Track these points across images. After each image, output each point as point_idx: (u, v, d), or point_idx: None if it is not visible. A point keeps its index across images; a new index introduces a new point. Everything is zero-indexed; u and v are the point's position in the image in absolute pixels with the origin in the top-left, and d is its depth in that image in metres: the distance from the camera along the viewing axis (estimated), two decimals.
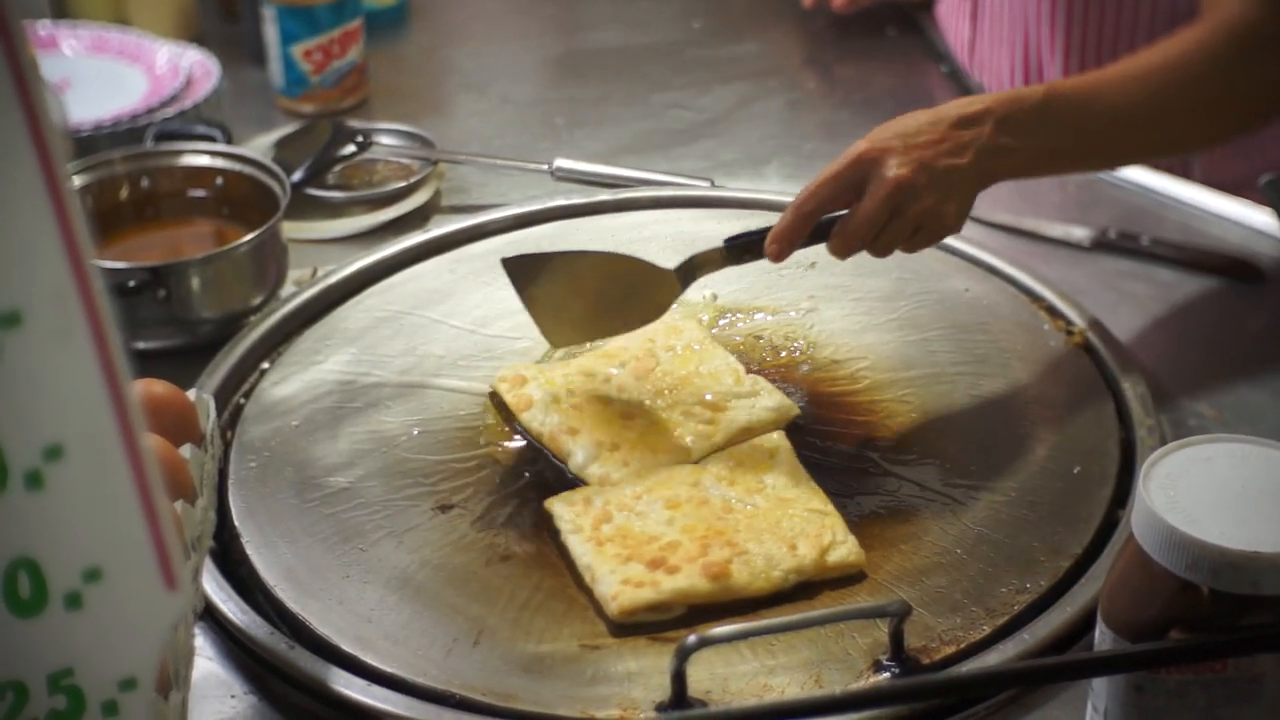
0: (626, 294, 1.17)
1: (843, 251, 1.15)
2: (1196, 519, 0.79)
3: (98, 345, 0.57)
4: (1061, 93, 1.17)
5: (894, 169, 1.11)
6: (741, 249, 1.17)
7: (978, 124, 1.14)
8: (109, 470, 0.58)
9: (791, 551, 1.01)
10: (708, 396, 1.16)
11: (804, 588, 1.01)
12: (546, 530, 1.06)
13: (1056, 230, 1.41)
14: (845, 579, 1.02)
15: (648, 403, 1.17)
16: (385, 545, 1.05)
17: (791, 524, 1.04)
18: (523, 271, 1.18)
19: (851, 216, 1.13)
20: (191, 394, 0.95)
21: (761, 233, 1.15)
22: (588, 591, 1.01)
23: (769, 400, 1.16)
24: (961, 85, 1.71)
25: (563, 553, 1.04)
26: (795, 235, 1.14)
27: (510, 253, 1.35)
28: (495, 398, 1.20)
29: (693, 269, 1.16)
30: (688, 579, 0.99)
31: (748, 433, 1.14)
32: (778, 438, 1.13)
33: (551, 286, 1.18)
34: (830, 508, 1.06)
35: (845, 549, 1.02)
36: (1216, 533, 0.78)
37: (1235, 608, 0.79)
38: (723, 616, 0.98)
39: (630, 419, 1.15)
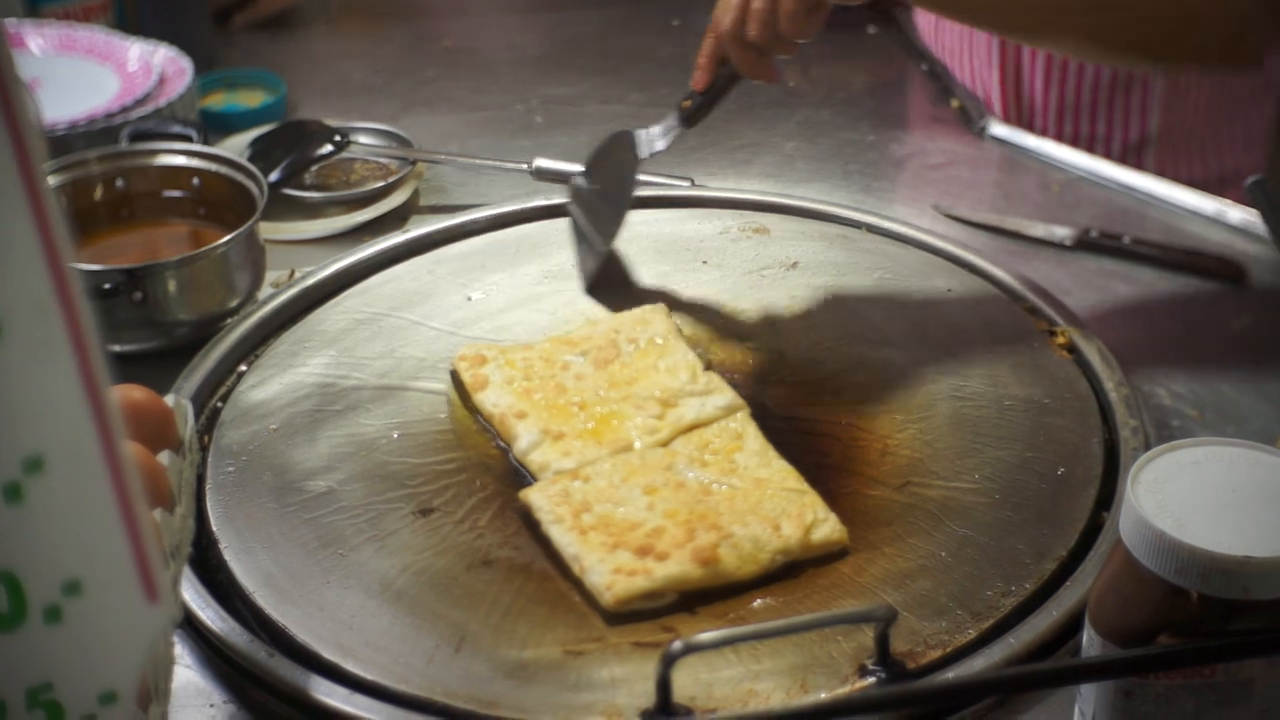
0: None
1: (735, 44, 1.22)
2: (1185, 523, 0.78)
3: (79, 355, 0.56)
4: None
5: None
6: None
7: None
8: (89, 482, 0.57)
9: (776, 532, 1.02)
10: (658, 392, 1.16)
11: (790, 568, 1.01)
12: (527, 529, 1.05)
13: (1038, 230, 1.40)
14: (830, 570, 1.02)
15: (602, 393, 1.17)
16: (366, 550, 1.04)
17: (772, 504, 1.04)
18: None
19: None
20: (170, 399, 0.93)
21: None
22: (574, 584, 1.00)
23: (720, 399, 1.16)
24: (942, 83, 1.70)
25: (545, 549, 1.03)
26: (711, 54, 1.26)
27: (492, 252, 1.36)
28: (455, 377, 1.20)
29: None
30: (679, 565, 0.99)
31: (696, 429, 1.14)
32: (742, 418, 1.14)
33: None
34: (806, 486, 1.07)
35: (828, 527, 1.03)
36: (1206, 537, 0.77)
37: (1224, 612, 0.78)
38: (712, 600, 0.99)
39: (582, 408, 1.15)
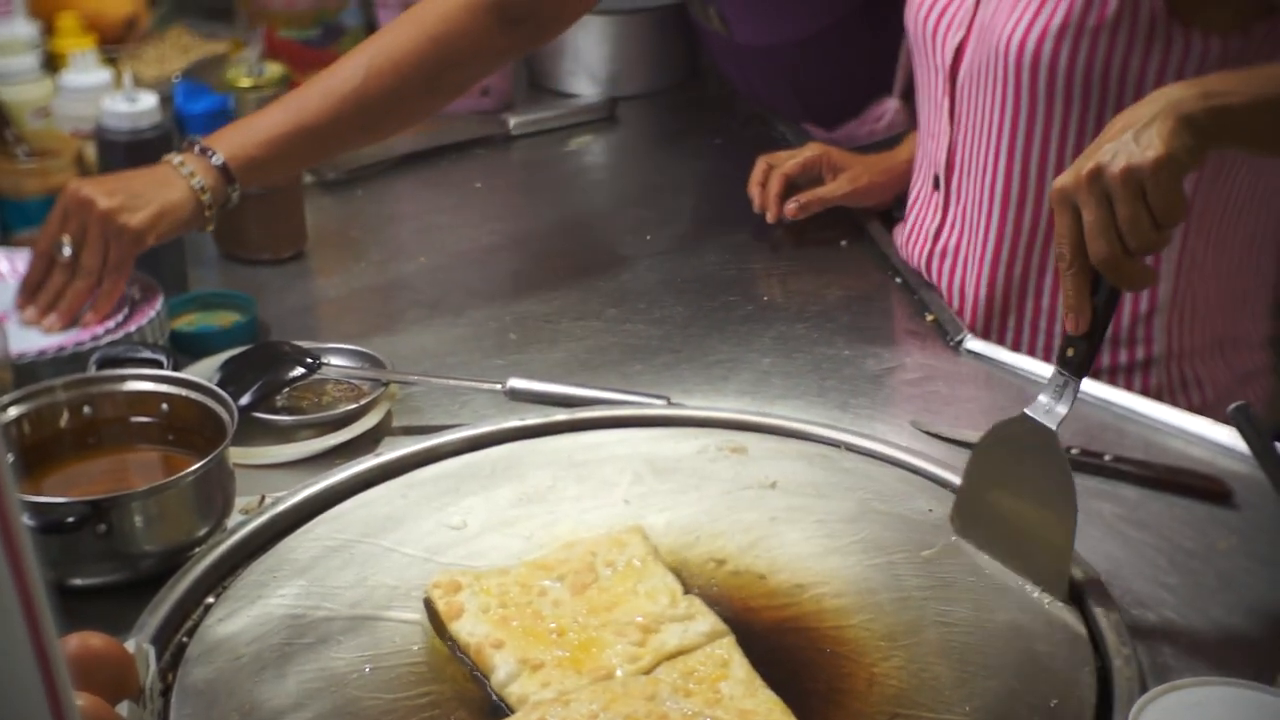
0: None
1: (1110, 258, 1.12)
2: None
3: (29, 619, 0.53)
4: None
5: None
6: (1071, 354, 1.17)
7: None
8: None
9: None
10: (639, 618, 1.13)
11: None
12: None
13: None
14: None
15: (580, 619, 1.14)
16: None
17: None
18: None
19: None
20: (131, 644, 0.90)
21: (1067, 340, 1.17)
22: None
23: (702, 624, 1.13)
24: (917, 296, 1.71)
25: None
26: (1081, 291, 1.14)
27: (466, 475, 1.33)
28: (429, 605, 1.17)
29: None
30: None
31: (680, 656, 1.11)
32: (728, 645, 1.11)
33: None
34: (792, 717, 1.03)
35: None
36: None
37: None
38: None
39: (560, 635, 1.12)
